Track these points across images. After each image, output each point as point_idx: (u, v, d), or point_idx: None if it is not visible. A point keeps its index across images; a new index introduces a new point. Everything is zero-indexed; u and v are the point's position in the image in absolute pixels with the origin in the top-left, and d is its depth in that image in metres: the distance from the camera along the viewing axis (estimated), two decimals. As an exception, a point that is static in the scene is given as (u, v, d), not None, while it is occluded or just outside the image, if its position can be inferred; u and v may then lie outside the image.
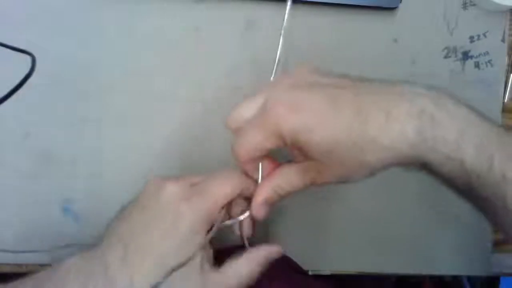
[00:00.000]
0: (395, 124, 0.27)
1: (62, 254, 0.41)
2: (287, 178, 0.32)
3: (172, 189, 0.32)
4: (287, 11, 0.34)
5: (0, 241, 0.41)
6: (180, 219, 0.31)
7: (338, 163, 0.29)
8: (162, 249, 0.31)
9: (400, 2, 0.44)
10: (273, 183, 0.32)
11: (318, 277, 0.44)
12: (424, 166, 0.29)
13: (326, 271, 0.45)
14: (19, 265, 0.42)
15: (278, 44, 0.36)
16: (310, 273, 0.44)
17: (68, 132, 0.43)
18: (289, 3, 0.34)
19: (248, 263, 0.33)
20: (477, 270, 0.47)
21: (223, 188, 0.33)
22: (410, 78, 0.45)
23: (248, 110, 0.31)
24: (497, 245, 0.47)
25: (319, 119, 0.28)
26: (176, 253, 0.31)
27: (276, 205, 0.34)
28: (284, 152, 0.33)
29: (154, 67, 0.43)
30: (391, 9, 0.45)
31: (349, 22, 0.45)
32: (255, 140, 0.30)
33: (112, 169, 0.43)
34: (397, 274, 0.47)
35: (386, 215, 0.45)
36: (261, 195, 0.33)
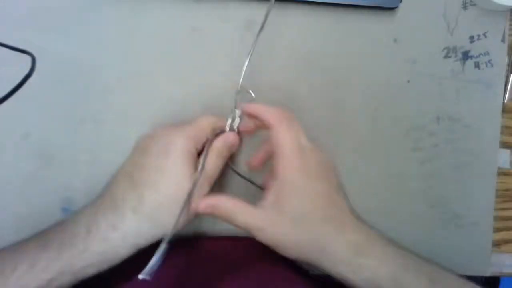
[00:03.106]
0: None
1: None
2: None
3: (165, 127, 0.39)
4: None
5: None
6: (172, 143, 0.36)
7: None
8: (160, 167, 0.36)
9: (400, 2, 0.44)
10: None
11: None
12: None
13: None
14: (19, 265, 0.42)
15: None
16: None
17: (68, 132, 0.43)
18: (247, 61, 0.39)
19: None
20: (477, 270, 0.47)
21: (207, 118, 0.40)
22: (410, 78, 0.46)
23: None
24: (497, 245, 0.47)
25: None
26: (169, 173, 0.35)
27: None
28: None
29: (154, 67, 0.43)
30: (391, 9, 0.45)
31: (349, 22, 0.45)
32: None
33: (112, 169, 0.43)
34: (397, 274, 0.46)
35: (386, 215, 0.45)
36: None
